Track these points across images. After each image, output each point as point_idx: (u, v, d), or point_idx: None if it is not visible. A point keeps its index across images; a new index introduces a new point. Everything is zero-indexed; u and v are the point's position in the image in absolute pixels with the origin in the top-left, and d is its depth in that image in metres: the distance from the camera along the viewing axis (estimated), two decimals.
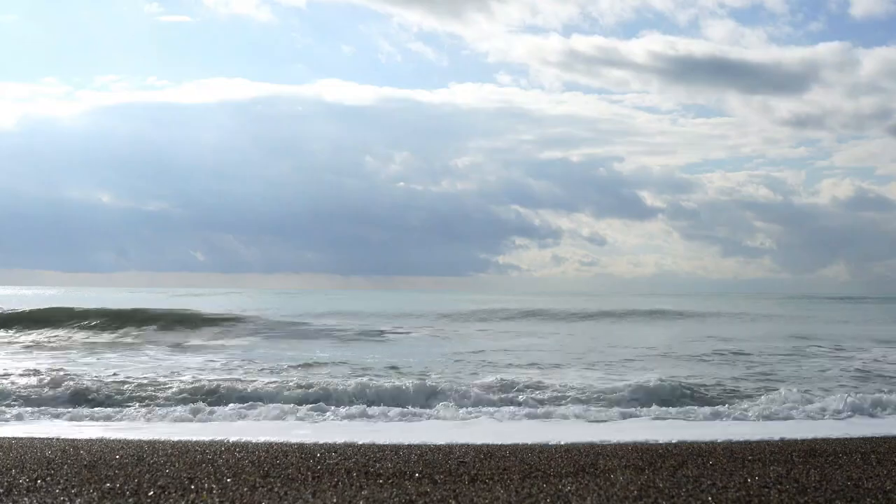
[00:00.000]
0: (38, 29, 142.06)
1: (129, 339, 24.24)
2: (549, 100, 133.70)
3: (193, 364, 17.13)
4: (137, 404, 11.50)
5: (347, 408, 10.88)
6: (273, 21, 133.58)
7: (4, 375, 14.26)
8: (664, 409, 11.25)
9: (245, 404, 11.17)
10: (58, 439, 8.11)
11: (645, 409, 11.24)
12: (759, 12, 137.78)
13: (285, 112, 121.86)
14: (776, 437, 8.70)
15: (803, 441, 8.30)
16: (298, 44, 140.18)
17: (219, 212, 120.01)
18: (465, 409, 11.12)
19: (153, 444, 7.49)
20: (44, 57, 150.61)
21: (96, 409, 11.09)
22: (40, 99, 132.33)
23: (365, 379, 13.60)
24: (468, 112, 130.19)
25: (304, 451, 7.06)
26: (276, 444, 7.83)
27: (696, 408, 11.34)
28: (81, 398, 11.96)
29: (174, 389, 12.57)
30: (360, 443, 8.20)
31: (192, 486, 5.33)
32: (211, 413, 10.58)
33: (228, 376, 14.60)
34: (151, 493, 5.12)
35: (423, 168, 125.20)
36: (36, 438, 8.27)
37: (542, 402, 11.82)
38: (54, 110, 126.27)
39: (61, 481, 5.45)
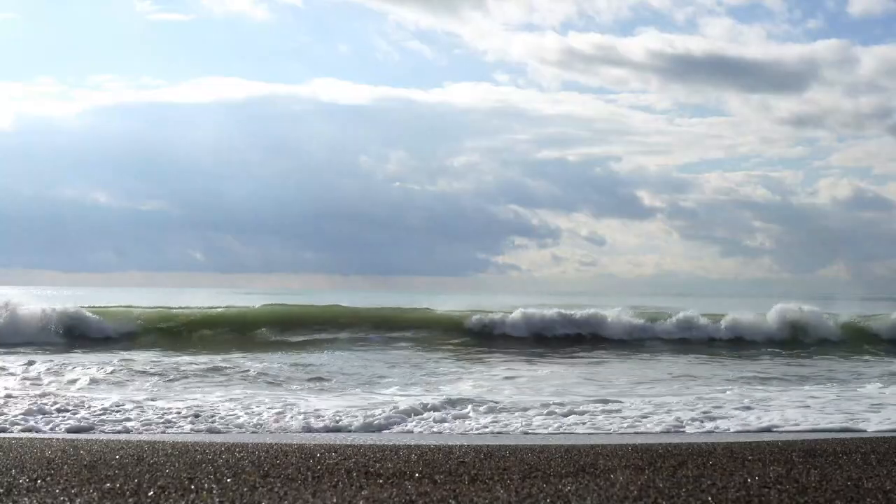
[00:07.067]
0: (33, 27, 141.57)
1: None
2: (546, 99, 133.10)
3: None
4: None
5: None
6: (269, 19, 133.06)
7: None
8: None
9: None
10: (58, 439, 8.11)
11: None
12: (756, 10, 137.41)
13: (281, 111, 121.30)
14: (776, 437, 8.70)
15: (803, 441, 8.30)
16: (294, 42, 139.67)
17: (216, 212, 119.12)
18: None
19: (153, 444, 7.49)
20: (38, 56, 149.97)
21: None
22: (36, 98, 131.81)
23: None
24: (464, 111, 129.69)
25: (304, 451, 7.06)
26: (275, 444, 7.83)
27: None
28: None
29: None
30: (360, 443, 8.21)
31: (192, 486, 5.33)
32: None
33: None
34: (151, 493, 5.11)
35: (419, 168, 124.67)
36: (36, 438, 8.27)
37: None
38: (50, 109, 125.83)
39: (61, 481, 5.45)
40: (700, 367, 19.08)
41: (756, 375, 16.76)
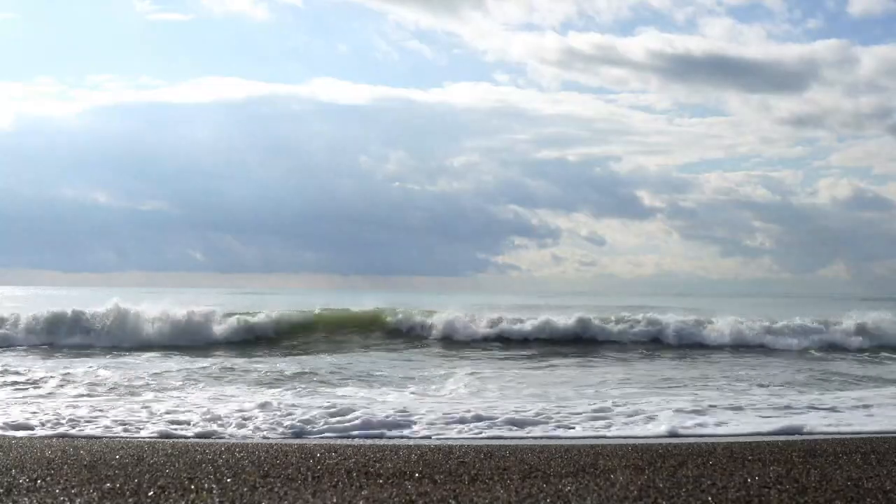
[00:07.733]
0: (33, 27, 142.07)
1: None
2: (546, 99, 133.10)
3: None
4: None
5: None
6: (269, 19, 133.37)
7: None
8: None
9: None
10: (58, 439, 8.11)
11: None
12: (756, 10, 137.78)
13: (281, 111, 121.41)
14: (776, 438, 8.69)
15: (803, 441, 8.30)
16: (294, 42, 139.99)
17: (216, 212, 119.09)
18: None
19: (153, 444, 7.50)
20: (38, 56, 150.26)
21: None
22: (36, 98, 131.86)
23: None
24: (464, 111, 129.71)
25: (304, 451, 7.07)
26: (275, 444, 7.83)
27: None
28: None
29: None
30: (360, 443, 8.21)
31: (192, 486, 5.33)
32: None
33: None
34: (151, 493, 5.12)
35: (419, 168, 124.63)
36: (36, 438, 8.27)
37: None
38: (50, 109, 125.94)
39: (61, 481, 5.45)
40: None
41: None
